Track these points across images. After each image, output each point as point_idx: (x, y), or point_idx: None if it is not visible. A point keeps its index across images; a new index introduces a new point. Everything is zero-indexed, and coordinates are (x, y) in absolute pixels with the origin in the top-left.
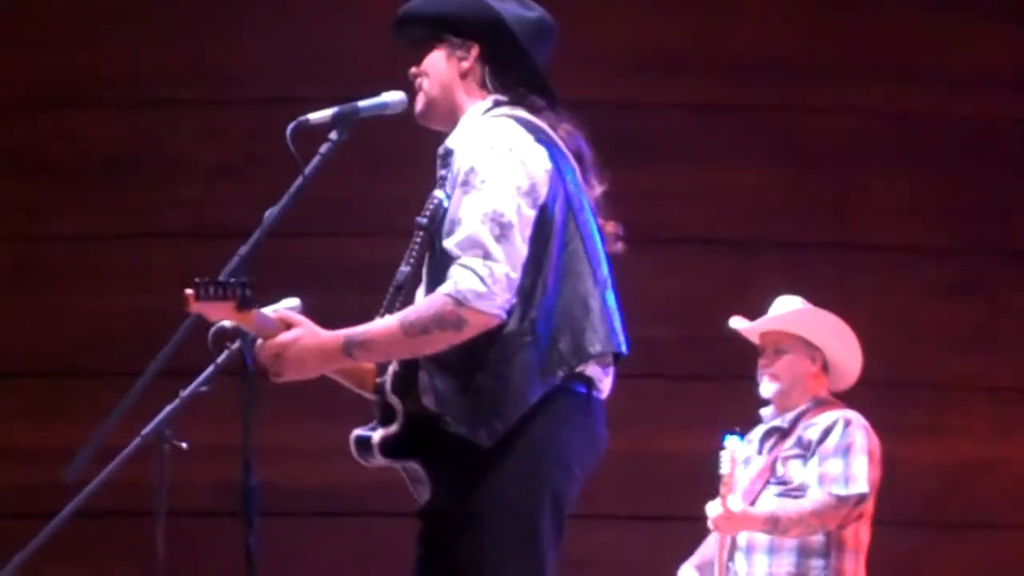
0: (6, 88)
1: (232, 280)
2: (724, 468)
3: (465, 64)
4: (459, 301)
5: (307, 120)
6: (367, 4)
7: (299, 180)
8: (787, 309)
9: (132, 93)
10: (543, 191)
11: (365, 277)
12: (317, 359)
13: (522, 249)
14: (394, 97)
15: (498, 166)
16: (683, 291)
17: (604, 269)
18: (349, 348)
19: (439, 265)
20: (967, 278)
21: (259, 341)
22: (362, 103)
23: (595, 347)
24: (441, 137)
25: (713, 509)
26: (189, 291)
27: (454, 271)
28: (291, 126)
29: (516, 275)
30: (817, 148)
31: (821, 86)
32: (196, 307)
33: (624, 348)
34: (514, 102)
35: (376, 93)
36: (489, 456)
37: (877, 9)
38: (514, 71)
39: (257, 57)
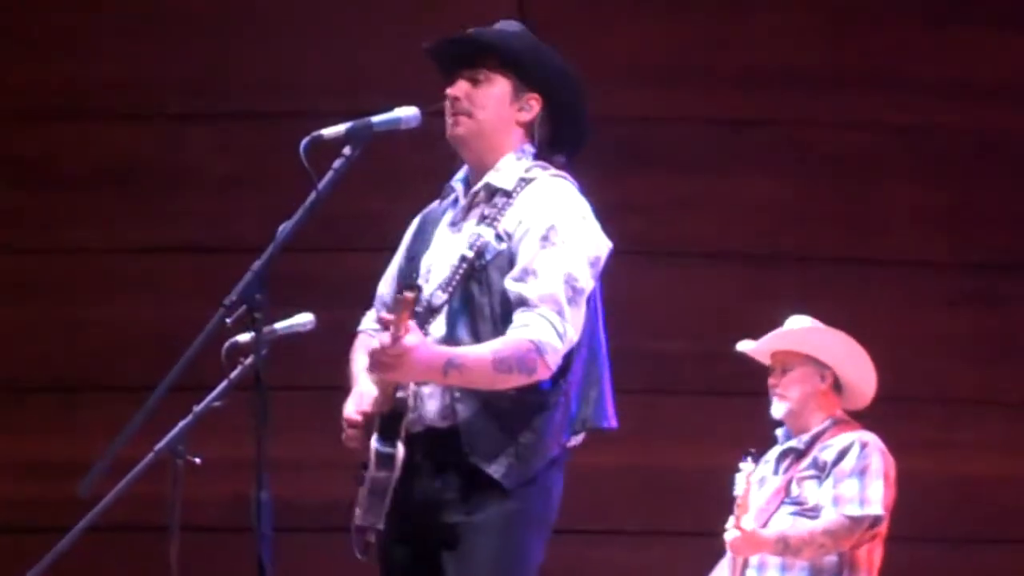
0: (19, 99)
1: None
2: (738, 490)
3: (525, 114)
4: (539, 350)
5: (321, 135)
6: (381, 18)
7: (313, 195)
8: (795, 328)
9: (146, 105)
10: (601, 266)
11: None
12: (422, 370)
13: (582, 316)
14: (408, 112)
15: (577, 232)
16: (697, 305)
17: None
18: (447, 368)
19: (483, 300)
20: (980, 291)
21: (383, 337)
22: (376, 118)
23: (600, 422)
24: (454, 156)
25: (729, 531)
26: (411, 294)
27: (533, 320)
28: (305, 141)
29: (575, 340)
30: (831, 161)
31: (835, 99)
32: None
33: (616, 424)
34: (542, 158)
35: (390, 108)
36: (504, 492)
37: (890, 21)
38: (555, 130)
39: (271, 70)
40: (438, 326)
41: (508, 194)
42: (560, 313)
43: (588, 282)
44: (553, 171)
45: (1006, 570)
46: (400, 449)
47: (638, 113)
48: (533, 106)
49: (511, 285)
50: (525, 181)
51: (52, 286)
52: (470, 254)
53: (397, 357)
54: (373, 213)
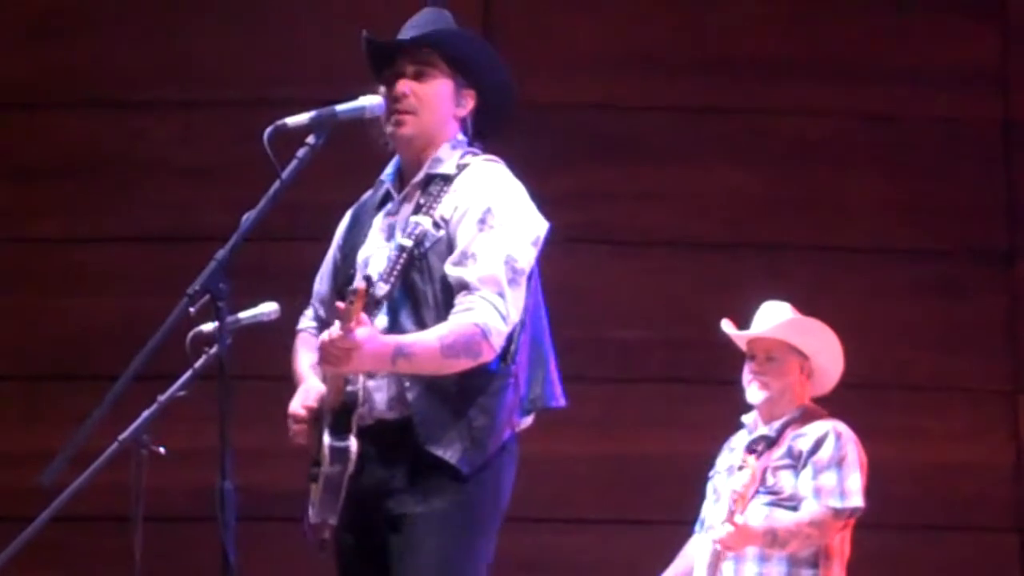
0: None
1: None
2: (737, 485)
3: (462, 111)
4: (484, 333)
5: (284, 124)
6: (345, 7)
7: (277, 184)
8: (777, 316)
9: (109, 95)
10: (540, 245)
11: None
12: (371, 361)
13: (523, 297)
14: (372, 101)
15: (515, 213)
16: (662, 293)
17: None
18: (396, 358)
19: (425, 287)
20: (943, 279)
21: (333, 330)
22: (340, 107)
23: (549, 401)
24: None
25: (722, 527)
26: (363, 285)
27: (477, 303)
28: (269, 130)
29: (516, 320)
30: (795, 149)
31: (799, 87)
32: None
33: (564, 403)
34: (481, 149)
35: (354, 96)
36: (460, 479)
37: (853, 10)
38: (480, 121)
39: (235, 59)
40: (382, 316)
41: (447, 179)
42: (501, 295)
43: (528, 263)
44: (485, 156)
45: (970, 557)
46: (353, 442)
47: (602, 101)
48: (468, 103)
49: (451, 270)
50: (460, 168)
51: (14, 276)
52: (408, 243)
53: (347, 350)
54: (338, 202)
